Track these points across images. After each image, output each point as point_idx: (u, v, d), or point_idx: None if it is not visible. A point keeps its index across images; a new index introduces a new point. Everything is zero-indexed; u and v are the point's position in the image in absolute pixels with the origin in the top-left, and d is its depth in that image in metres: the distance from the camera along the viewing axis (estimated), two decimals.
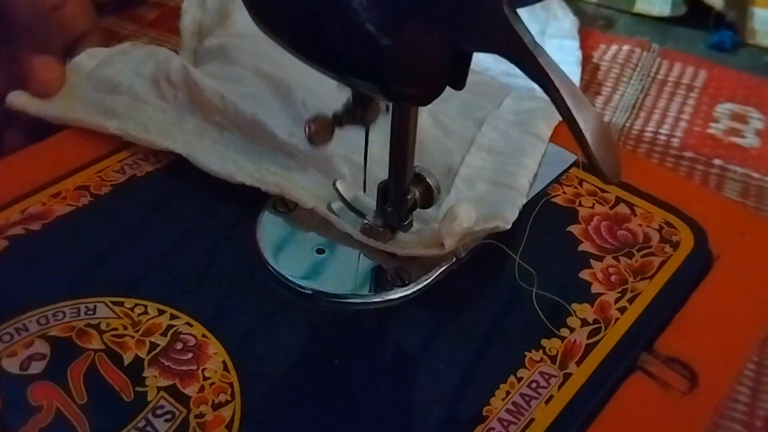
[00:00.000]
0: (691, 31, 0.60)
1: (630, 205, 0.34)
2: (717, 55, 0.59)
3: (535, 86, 0.35)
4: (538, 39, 0.21)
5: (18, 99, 0.36)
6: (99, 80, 0.37)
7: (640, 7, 0.62)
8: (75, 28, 0.39)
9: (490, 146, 0.35)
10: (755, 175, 0.48)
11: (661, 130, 0.49)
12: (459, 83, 0.24)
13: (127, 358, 0.26)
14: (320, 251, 0.31)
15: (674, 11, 0.61)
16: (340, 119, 0.28)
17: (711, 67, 0.57)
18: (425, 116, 0.35)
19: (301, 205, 0.32)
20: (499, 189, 0.32)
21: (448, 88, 0.24)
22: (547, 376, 0.27)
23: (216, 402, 0.25)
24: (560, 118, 0.35)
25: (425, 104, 0.25)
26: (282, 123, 0.34)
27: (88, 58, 0.38)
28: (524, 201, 0.32)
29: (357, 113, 0.28)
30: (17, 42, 0.37)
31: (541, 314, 0.29)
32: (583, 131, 0.21)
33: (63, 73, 0.37)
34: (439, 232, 0.29)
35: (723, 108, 0.53)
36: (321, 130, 0.28)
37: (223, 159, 0.33)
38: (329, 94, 0.29)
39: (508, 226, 0.30)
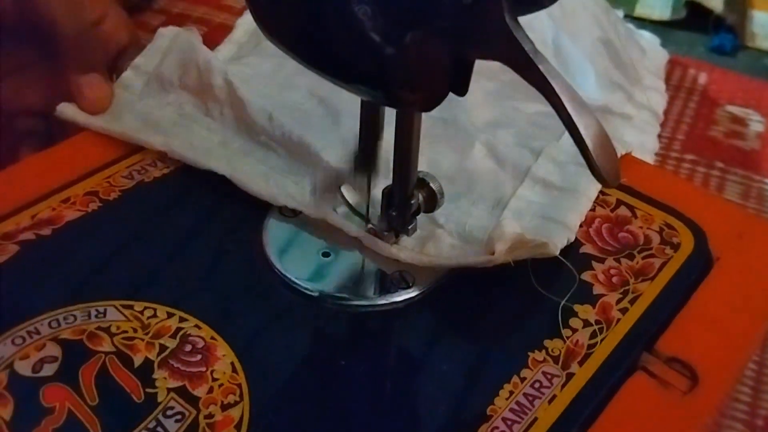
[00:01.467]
0: (691, 35, 0.61)
1: (631, 208, 0.34)
2: (717, 58, 0.59)
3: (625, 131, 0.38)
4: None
5: (67, 110, 0.37)
6: (146, 93, 0.38)
7: (640, 11, 0.62)
8: (116, 42, 0.40)
9: (545, 179, 0.34)
10: (756, 177, 0.48)
11: (662, 133, 0.50)
12: (461, 90, 0.24)
13: (137, 361, 0.27)
14: (326, 254, 0.32)
15: (674, 15, 0.61)
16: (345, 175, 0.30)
17: (711, 70, 0.57)
18: (479, 145, 0.35)
19: (345, 231, 0.32)
20: (548, 223, 0.32)
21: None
22: (549, 376, 0.27)
23: (225, 403, 0.26)
24: (624, 152, 0.36)
25: (428, 110, 0.25)
26: (328, 145, 0.34)
27: (134, 74, 0.39)
28: (572, 238, 0.31)
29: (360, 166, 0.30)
30: (62, 59, 0.37)
31: (543, 315, 0.29)
32: (584, 137, 0.22)
33: (111, 91, 0.38)
34: (490, 239, 0.29)
35: (723, 111, 0.54)
36: (328, 188, 0.30)
37: (266, 180, 0.33)
38: None
39: (557, 252, 0.30)
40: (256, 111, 0.35)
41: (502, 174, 0.34)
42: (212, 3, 0.60)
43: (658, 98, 0.48)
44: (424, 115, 0.36)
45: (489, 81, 0.39)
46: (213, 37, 0.46)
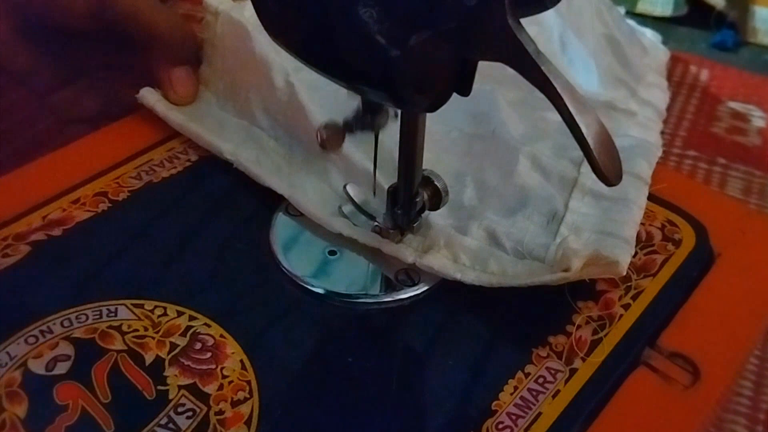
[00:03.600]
0: (693, 31, 0.61)
1: None
2: (719, 54, 0.59)
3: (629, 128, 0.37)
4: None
5: (150, 96, 0.37)
6: (222, 93, 0.38)
7: (642, 7, 0.63)
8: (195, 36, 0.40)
9: (593, 189, 0.34)
10: (757, 173, 0.49)
11: (664, 130, 0.50)
12: (465, 90, 0.25)
13: (149, 358, 0.27)
14: (332, 253, 0.32)
15: (676, 11, 0.62)
16: (350, 126, 0.29)
17: (713, 66, 0.57)
18: (523, 159, 0.35)
19: (398, 257, 0.31)
20: (607, 238, 0.31)
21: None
22: (553, 372, 0.28)
23: (235, 399, 0.26)
24: (659, 154, 0.36)
25: (432, 111, 0.26)
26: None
27: (210, 69, 0.39)
28: (633, 252, 0.31)
29: (367, 120, 0.29)
30: (157, 53, 0.38)
31: (546, 312, 0.30)
32: (585, 135, 0.22)
33: (198, 86, 0.39)
34: (564, 256, 0.29)
35: (725, 107, 0.54)
36: (332, 136, 0.29)
37: (323, 202, 0.33)
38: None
39: (624, 272, 0.29)
40: (317, 121, 0.34)
41: (549, 187, 0.34)
42: None
43: (660, 95, 0.48)
44: (462, 133, 0.37)
45: (510, 91, 0.38)
46: None
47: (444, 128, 0.37)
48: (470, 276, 0.30)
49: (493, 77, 0.37)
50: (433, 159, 0.34)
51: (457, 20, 0.22)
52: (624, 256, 0.30)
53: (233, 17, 0.37)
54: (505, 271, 0.30)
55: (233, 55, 0.38)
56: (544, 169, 0.35)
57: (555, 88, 0.22)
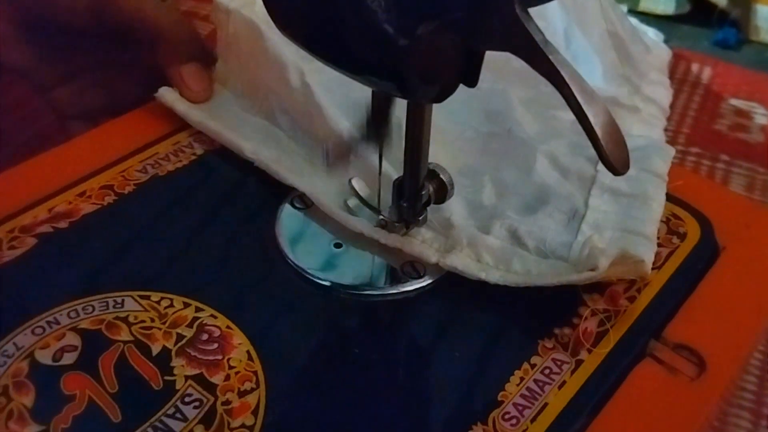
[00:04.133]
0: (695, 29, 0.61)
1: None
2: (721, 51, 0.59)
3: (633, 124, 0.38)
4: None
5: (168, 95, 0.37)
6: (241, 92, 0.38)
7: (644, 5, 0.63)
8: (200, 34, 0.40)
9: (612, 187, 0.34)
10: (760, 170, 0.49)
11: (667, 127, 0.50)
12: (472, 81, 0.25)
13: (155, 349, 0.27)
14: (338, 245, 0.32)
15: (678, 9, 0.62)
16: (356, 142, 0.30)
17: (715, 64, 0.57)
18: (541, 157, 0.35)
19: (421, 258, 0.31)
20: (630, 236, 0.31)
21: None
22: (559, 363, 0.28)
23: (242, 390, 0.26)
24: (673, 154, 0.36)
25: (439, 101, 0.26)
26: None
27: (225, 65, 0.39)
28: (655, 250, 0.31)
29: (372, 133, 0.29)
30: (163, 51, 0.38)
31: (553, 304, 0.30)
32: (593, 125, 0.22)
33: (211, 81, 0.39)
34: (591, 255, 0.29)
35: (728, 104, 0.54)
36: (339, 154, 0.30)
37: (345, 203, 0.33)
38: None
39: (649, 272, 0.30)
40: (335, 121, 0.34)
41: (568, 185, 0.34)
42: None
43: (664, 93, 0.48)
44: (477, 132, 0.37)
45: (520, 90, 0.38)
46: None
47: (458, 128, 0.37)
48: (494, 276, 0.30)
49: (502, 76, 0.37)
50: (449, 158, 0.34)
51: (465, 10, 0.22)
52: (649, 255, 0.30)
53: (245, 16, 0.37)
54: (529, 270, 0.30)
55: (248, 54, 0.38)
56: (562, 167, 0.35)
57: (563, 78, 0.22)
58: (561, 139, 0.36)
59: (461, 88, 0.37)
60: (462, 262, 0.30)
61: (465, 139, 0.37)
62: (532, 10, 0.23)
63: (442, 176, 0.30)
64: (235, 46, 0.38)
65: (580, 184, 0.34)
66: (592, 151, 0.35)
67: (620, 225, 0.32)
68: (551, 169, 0.35)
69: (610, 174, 0.34)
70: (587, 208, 0.33)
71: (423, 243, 0.31)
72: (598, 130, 0.22)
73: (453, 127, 0.37)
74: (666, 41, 0.56)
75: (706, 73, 0.57)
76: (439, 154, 0.33)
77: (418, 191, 0.30)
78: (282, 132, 0.37)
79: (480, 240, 0.31)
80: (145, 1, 0.37)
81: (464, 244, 0.31)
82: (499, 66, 0.32)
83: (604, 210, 0.33)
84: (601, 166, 0.34)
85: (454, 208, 0.32)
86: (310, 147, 0.36)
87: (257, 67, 0.37)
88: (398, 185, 0.31)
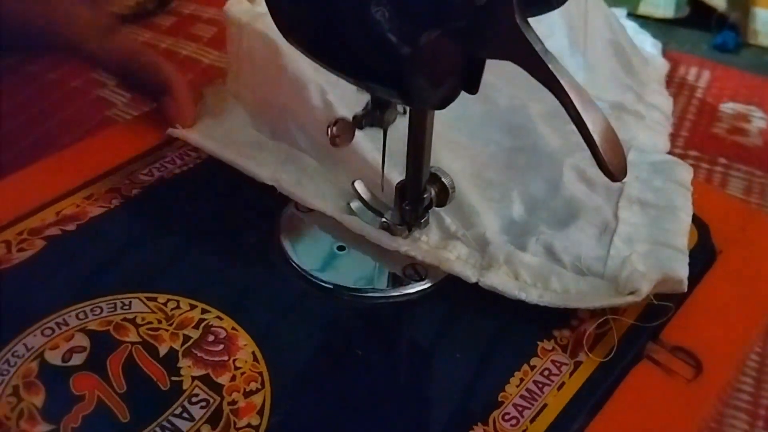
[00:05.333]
0: (694, 33, 0.62)
1: None
2: (720, 55, 0.60)
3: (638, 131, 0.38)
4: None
5: (178, 131, 0.37)
6: (253, 108, 0.38)
7: (644, 9, 0.63)
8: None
9: (639, 198, 0.34)
10: (758, 173, 0.49)
11: None
12: (473, 88, 0.25)
13: (163, 350, 0.28)
14: (341, 248, 0.33)
15: (678, 13, 0.62)
16: (360, 121, 0.30)
17: (714, 68, 0.58)
18: (568, 170, 0.35)
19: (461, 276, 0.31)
20: (662, 249, 0.32)
21: None
22: (558, 364, 0.28)
23: (247, 390, 0.27)
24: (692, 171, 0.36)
25: (441, 108, 0.26)
26: None
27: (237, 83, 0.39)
28: (688, 260, 0.31)
29: (376, 115, 0.29)
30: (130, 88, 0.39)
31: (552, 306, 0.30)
32: (591, 132, 0.23)
33: (193, 106, 0.38)
34: (630, 278, 0.29)
35: (726, 107, 0.55)
36: (343, 132, 0.30)
37: (361, 224, 0.33)
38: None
39: (686, 288, 0.30)
40: (364, 149, 0.34)
41: (596, 197, 0.34)
42: (222, 3, 0.60)
43: (665, 101, 0.48)
44: (500, 147, 0.37)
45: (540, 104, 0.39)
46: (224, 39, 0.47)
47: (480, 143, 0.37)
48: (533, 295, 0.30)
49: (519, 92, 0.38)
50: (474, 172, 0.35)
51: (467, 19, 0.23)
52: (685, 271, 0.30)
53: (260, 30, 0.37)
54: (568, 289, 0.30)
55: (263, 71, 0.37)
56: (589, 180, 0.35)
57: (562, 86, 0.23)
58: (584, 152, 0.36)
59: (481, 107, 0.37)
60: (501, 281, 0.30)
61: (489, 154, 0.37)
62: (538, 19, 0.24)
63: (443, 180, 0.31)
64: (248, 62, 0.38)
65: (608, 196, 0.35)
66: None
67: (652, 237, 0.32)
68: (578, 182, 0.35)
69: (636, 185, 0.35)
70: (617, 220, 0.33)
71: (458, 260, 0.31)
72: (596, 137, 0.23)
73: (475, 143, 0.37)
74: (665, 45, 0.56)
75: (705, 77, 0.57)
76: (465, 169, 0.34)
77: (420, 194, 0.31)
78: (301, 152, 0.36)
79: (517, 257, 0.31)
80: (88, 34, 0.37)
81: (501, 262, 0.31)
82: (517, 81, 0.32)
83: (633, 222, 0.33)
84: (626, 178, 0.35)
85: (488, 223, 0.33)
86: (332, 165, 0.36)
87: (273, 85, 0.37)
88: (401, 188, 0.31)
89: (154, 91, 0.38)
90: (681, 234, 0.32)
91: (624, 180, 0.35)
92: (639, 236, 0.32)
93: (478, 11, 0.23)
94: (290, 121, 0.37)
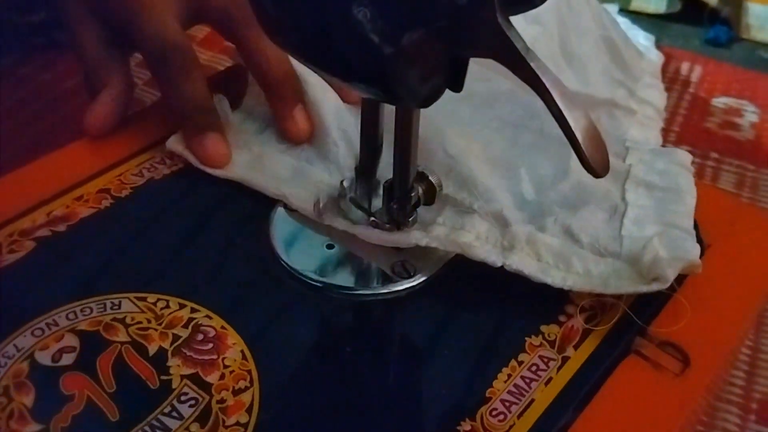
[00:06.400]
0: (686, 27, 0.62)
1: None
2: (712, 50, 0.60)
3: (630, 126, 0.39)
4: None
5: (177, 146, 0.36)
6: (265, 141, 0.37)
7: (636, 4, 0.63)
8: None
9: (645, 180, 0.35)
10: (750, 167, 0.49)
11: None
12: (457, 86, 0.26)
13: (152, 349, 0.28)
14: (330, 246, 0.33)
15: (670, 8, 0.62)
16: (345, 195, 0.32)
17: (706, 62, 0.58)
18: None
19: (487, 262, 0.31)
20: (671, 230, 0.32)
21: None
22: (546, 360, 0.28)
23: (236, 388, 0.27)
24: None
25: (426, 107, 0.26)
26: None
27: (245, 117, 0.38)
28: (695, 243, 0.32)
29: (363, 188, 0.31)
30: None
31: (539, 302, 0.30)
32: (574, 129, 0.23)
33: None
34: (655, 264, 0.29)
35: (718, 102, 0.55)
36: (329, 208, 0.32)
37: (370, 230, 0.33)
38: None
39: (700, 270, 0.31)
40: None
41: (603, 181, 0.34)
42: None
43: (658, 96, 0.48)
44: (503, 122, 0.37)
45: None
46: (218, 39, 0.46)
47: (484, 119, 0.37)
48: (557, 278, 0.30)
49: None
50: (479, 147, 0.34)
51: (449, 18, 0.23)
52: (698, 252, 0.31)
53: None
54: (590, 271, 0.30)
55: None
56: None
57: (544, 84, 0.23)
58: None
59: (484, 85, 0.37)
60: (525, 264, 0.30)
61: (491, 129, 0.37)
62: (529, 15, 0.24)
63: (431, 178, 0.31)
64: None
65: (614, 179, 0.35)
66: (619, 147, 0.37)
67: (661, 219, 0.33)
68: None
69: (643, 167, 0.36)
70: (626, 203, 0.34)
71: (478, 240, 0.31)
72: (579, 135, 0.23)
73: (479, 119, 0.37)
74: (657, 40, 0.56)
75: (697, 72, 0.57)
76: (471, 145, 0.34)
77: (408, 193, 0.31)
78: (312, 165, 0.36)
79: (539, 238, 0.31)
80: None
81: (523, 242, 0.31)
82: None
83: (641, 204, 0.34)
84: (629, 160, 0.36)
85: (503, 199, 0.32)
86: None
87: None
88: (388, 187, 0.31)
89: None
90: (688, 216, 0.33)
91: (629, 162, 0.36)
92: (648, 218, 0.33)
93: (459, 10, 0.23)
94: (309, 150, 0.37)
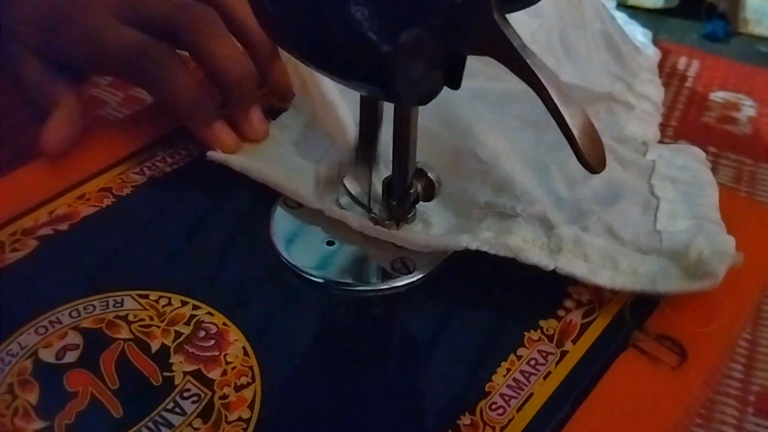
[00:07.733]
0: (684, 22, 0.62)
1: None
2: (710, 44, 0.60)
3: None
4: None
5: (217, 156, 0.36)
6: (302, 142, 0.37)
7: None
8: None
9: (669, 175, 0.35)
10: (748, 161, 0.50)
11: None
12: (455, 84, 0.26)
13: (155, 346, 0.28)
14: (330, 243, 0.33)
15: (667, 3, 0.63)
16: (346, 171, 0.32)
17: (704, 57, 0.58)
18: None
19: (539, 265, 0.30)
20: (704, 223, 0.32)
21: None
22: (545, 354, 0.29)
23: (238, 384, 0.27)
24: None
25: (424, 104, 0.27)
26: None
27: (293, 115, 0.38)
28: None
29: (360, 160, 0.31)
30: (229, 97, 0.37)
31: (538, 297, 0.31)
32: (570, 126, 0.23)
33: (267, 128, 0.38)
34: (705, 261, 0.30)
35: (716, 96, 0.55)
36: (329, 184, 0.32)
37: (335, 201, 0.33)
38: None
39: (741, 260, 0.31)
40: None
41: (630, 177, 0.35)
42: None
43: (656, 91, 0.49)
44: (525, 122, 0.37)
45: None
46: None
47: (502, 118, 0.37)
48: (605, 278, 0.30)
49: None
50: (506, 145, 0.34)
51: (446, 16, 0.23)
52: (733, 244, 0.31)
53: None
54: (636, 270, 0.30)
55: (319, 102, 0.37)
56: (621, 159, 0.35)
57: (540, 80, 0.23)
58: (605, 134, 0.37)
59: (496, 84, 0.37)
60: (575, 266, 0.30)
61: (513, 128, 0.37)
62: (529, 10, 0.24)
63: (430, 174, 0.31)
64: (309, 99, 0.38)
65: (640, 174, 0.35)
66: (637, 142, 0.37)
67: (691, 213, 0.33)
68: (613, 162, 0.35)
69: (666, 162, 0.36)
70: (658, 198, 0.34)
71: (526, 243, 0.31)
72: (575, 131, 0.23)
73: (497, 118, 0.37)
74: (655, 34, 0.56)
75: (694, 67, 0.57)
76: (498, 144, 0.34)
77: (407, 190, 0.31)
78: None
79: (585, 239, 0.31)
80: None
81: (570, 244, 0.31)
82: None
83: (671, 199, 0.34)
84: (649, 155, 0.36)
85: (543, 200, 0.32)
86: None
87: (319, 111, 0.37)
88: (387, 184, 0.32)
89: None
90: (714, 208, 0.33)
91: (653, 158, 0.36)
92: (679, 212, 0.33)
93: (456, 8, 0.23)
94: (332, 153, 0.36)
